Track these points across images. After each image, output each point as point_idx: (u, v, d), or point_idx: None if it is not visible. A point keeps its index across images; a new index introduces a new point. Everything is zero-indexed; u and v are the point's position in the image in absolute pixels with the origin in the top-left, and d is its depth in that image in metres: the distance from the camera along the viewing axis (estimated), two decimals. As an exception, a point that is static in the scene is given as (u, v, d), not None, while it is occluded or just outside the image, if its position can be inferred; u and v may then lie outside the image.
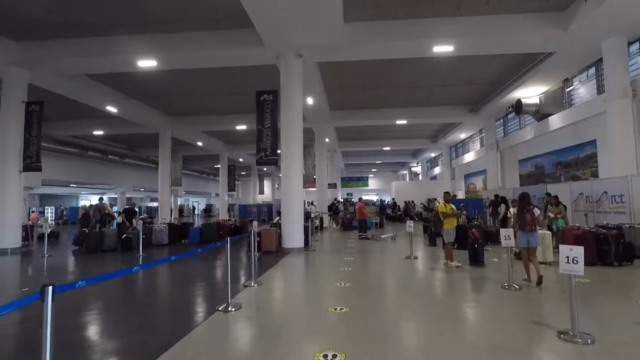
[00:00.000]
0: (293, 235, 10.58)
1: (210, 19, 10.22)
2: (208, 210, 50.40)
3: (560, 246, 3.70)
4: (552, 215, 9.54)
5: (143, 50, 11.08)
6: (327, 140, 22.69)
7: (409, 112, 19.24)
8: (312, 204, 20.75)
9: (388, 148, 29.76)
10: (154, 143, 22.11)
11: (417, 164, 40.45)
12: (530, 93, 15.16)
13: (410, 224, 9.22)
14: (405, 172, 48.38)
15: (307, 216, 18.66)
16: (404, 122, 19.97)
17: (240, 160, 35.59)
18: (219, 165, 31.20)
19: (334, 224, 20.02)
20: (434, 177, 35.42)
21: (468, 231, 8.25)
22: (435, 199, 26.89)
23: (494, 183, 19.46)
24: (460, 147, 27.97)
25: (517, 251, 8.13)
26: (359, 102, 18.22)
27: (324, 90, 15.45)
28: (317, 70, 12.81)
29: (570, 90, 13.99)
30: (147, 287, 7.05)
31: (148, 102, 17.77)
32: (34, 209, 32.37)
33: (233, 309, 4.92)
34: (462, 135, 25.20)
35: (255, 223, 10.21)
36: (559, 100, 14.32)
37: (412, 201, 27.08)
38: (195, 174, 43.38)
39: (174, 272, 8.21)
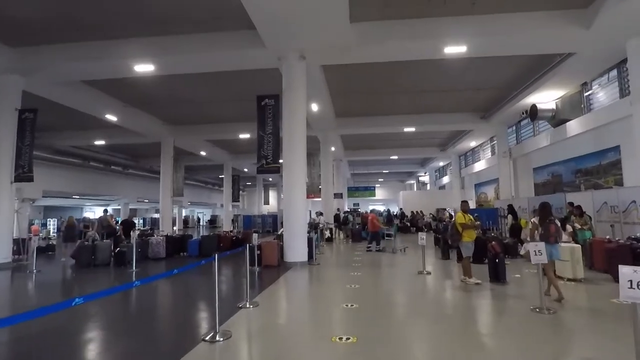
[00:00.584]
0: (296, 248, 9.88)
1: (208, 20, 9.72)
2: (213, 221, 49.84)
3: (621, 268, 2.97)
4: (578, 226, 8.74)
5: (140, 53, 10.61)
6: (332, 149, 22.08)
7: (417, 119, 18.58)
8: (321, 214, 19.99)
9: (395, 157, 29.04)
10: (157, 153, 21.65)
11: (425, 173, 39.62)
12: (546, 98, 14.42)
13: (422, 236, 8.47)
14: (412, 181, 47.53)
15: (315, 227, 18.05)
16: (412, 129, 19.30)
17: (245, 170, 35.11)
18: (223, 176, 30.72)
19: (341, 235, 19.25)
20: (442, 187, 34.56)
21: (487, 244, 7.48)
22: (445, 209, 26.08)
23: (507, 192, 18.61)
24: (470, 156, 27.17)
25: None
26: (365, 108, 17.62)
27: (329, 96, 14.88)
28: (322, 74, 12.25)
29: (589, 95, 13.25)
30: (129, 309, 6.37)
31: (148, 110, 17.35)
32: (36, 221, 32.12)
33: (221, 339, 4.22)
34: (473, 143, 24.43)
35: (255, 235, 9.55)
36: (577, 105, 13.57)
37: (421, 211, 26.28)
38: (199, 184, 42.93)
39: (163, 290, 7.54)
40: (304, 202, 10.20)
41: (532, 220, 6.41)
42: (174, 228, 42.39)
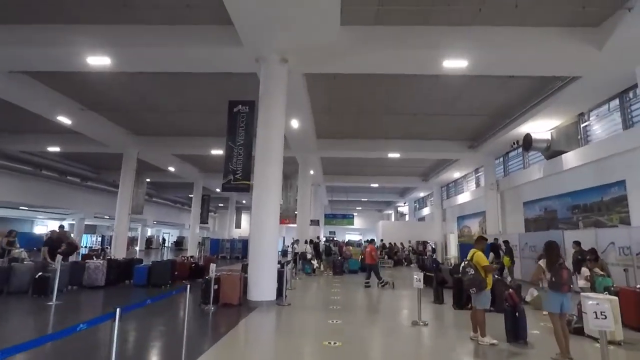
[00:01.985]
0: (263, 284, 8.14)
1: (178, 8, 8.24)
2: (179, 243, 46.78)
3: None
4: (599, 271, 7.48)
5: (94, 42, 8.96)
6: (311, 172, 20.67)
7: (404, 145, 17.51)
8: (310, 242, 18.13)
9: (376, 185, 27.89)
10: (121, 165, 19.65)
11: (405, 203, 38.69)
12: (538, 129, 13.63)
13: (417, 276, 6.95)
14: (390, 211, 46.51)
15: (303, 257, 16.29)
16: (397, 155, 18.19)
17: (217, 190, 33.01)
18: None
19: (321, 267, 17.49)
20: (421, 218, 33.55)
21: (503, 292, 6.04)
22: (427, 242, 24.88)
23: (495, 227, 17.55)
24: (452, 187, 26.35)
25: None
26: (349, 130, 16.42)
27: (310, 112, 13.56)
28: (304, 85, 10.93)
29: (586, 126, 12.50)
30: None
31: (109, 116, 15.49)
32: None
33: None
34: (457, 174, 23.61)
35: (212, 266, 7.80)
36: (573, 136, 12.78)
37: (401, 243, 24.91)
38: (168, 203, 40.32)
39: (71, 346, 5.62)
40: (275, 228, 8.56)
41: (538, 262, 5.10)
42: (135, 248, 39.59)
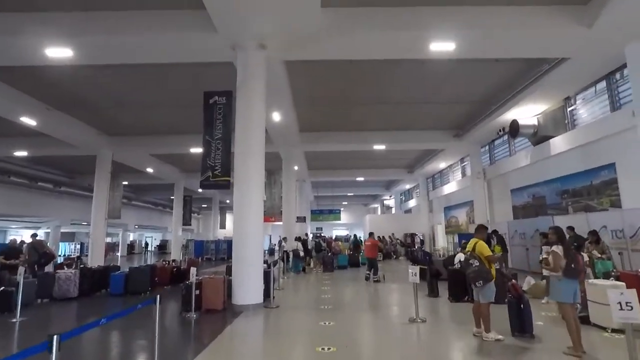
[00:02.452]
0: (248, 286, 7.60)
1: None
2: (163, 246, 45.51)
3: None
4: (597, 254, 7.22)
5: (53, 32, 8.17)
6: (296, 168, 20.14)
7: (388, 136, 17.14)
8: (305, 238, 17.59)
9: (361, 179, 27.53)
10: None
11: (391, 196, 38.55)
12: (524, 114, 13.44)
13: (413, 270, 6.54)
14: (377, 205, 46.39)
15: (295, 255, 15.72)
16: (382, 147, 17.83)
17: (199, 190, 32.14)
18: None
19: (311, 264, 17.06)
20: (408, 211, 33.45)
21: (506, 283, 5.67)
22: (414, 234, 24.70)
23: (483, 216, 17.40)
24: (438, 178, 26.23)
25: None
26: (332, 122, 15.92)
27: (292, 104, 12.99)
28: (285, 74, 10.38)
29: (572, 110, 12.34)
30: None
31: (79, 116, 14.55)
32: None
33: None
34: (442, 165, 23.45)
35: (193, 270, 7.22)
36: (560, 121, 12.63)
37: (391, 235, 24.63)
38: (149, 206, 39.08)
39: None
40: (259, 226, 8.01)
41: (552, 249, 4.71)
42: (117, 254, 38.29)
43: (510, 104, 12.80)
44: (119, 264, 13.19)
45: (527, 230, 13.29)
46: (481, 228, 5.56)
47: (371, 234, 13.69)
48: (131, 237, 48.62)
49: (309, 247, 16.81)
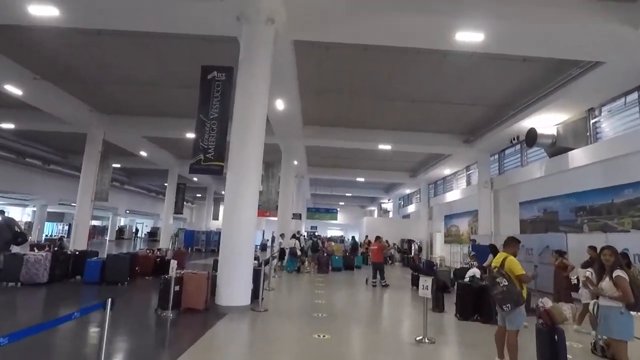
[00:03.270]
0: (235, 285, 6.76)
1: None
2: (154, 233, 44.51)
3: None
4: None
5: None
6: (295, 162, 19.28)
7: (396, 136, 16.33)
8: (298, 236, 16.76)
9: (362, 179, 26.76)
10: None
11: (389, 200, 37.74)
12: (541, 124, 12.63)
13: (425, 283, 5.69)
14: (374, 208, 45.55)
15: (292, 253, 14.90)
16: (388, 147, 17.02)
17: (194, 179, 31.26)
18: (168, 183, 26.78)
19: (306, 264, 16.26)
20: (406, 216, 32.66)
21: (537, 308, 4.84)
22: (412, 241, 23.91)
23: (487, 227, 16.62)
24: (440, 185, 25.44)
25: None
26: (339, 117, 15.10)
27: (298, 92, 12.16)
28: (293, 56, 9.54)
29: (596, 122, 11.57)
30: None
31: (69, 89, 13.62)
32: None
33: None
34: (447, 171, 22.66)
35: (173, 263, 6.37)
36: (582, 132, 11.84)
37: (387, 241, 23.72)
38: (142, 191, 38.12)
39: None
40: (252, 219, 7.17)
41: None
42: (105, 238, 37.36)
43: (530, 110, 12.03)
44: (105, 249, 12.34)
45: (536, 246, 12.48)
46: (512, 241, 4.74)
47: (378, 238, 12.91)
48: (122, 221, 47.72)
49: (302, 245, 15.95)
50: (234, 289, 6.76)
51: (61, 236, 20.60)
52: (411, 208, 31.41)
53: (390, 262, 22.32)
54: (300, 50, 9.47)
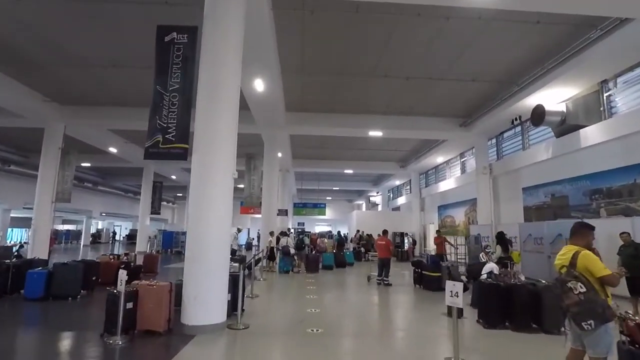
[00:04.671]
0: (206, 298, 5.32)
1: None
2: (132, 236, 42.24)
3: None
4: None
5: None
6: (279, 155, 17.82)
7: (387, 121, 15.04)
8: (287, 233, 15.30)
9: (350, 171, 25.45)
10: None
11: (378, 192, 36.62)
12: (547, 100, 11.53)
13: (454, 289, 4.37)
14: (361, 202, 44.42)
15: (285, 253, 13.34)
16: (379, 133, 15.71)
17: (173, 177, 29.48)
18: (144, 182, 24.94)
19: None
20: (396, 208, 31.57)
21: (623, 321, 3.56)
22: (405, 234, 22.76)
23: (487, 216, 15.54)
24: (432, 174, 24.36)
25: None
26: (325, 100, 13.71)
27: (279, 71, 10.73)
28: (272, 26, 8.07)
29: (610, 95, 10.50)
30: None
31: (12, 74, 11.81)
32: None
33: None
34: (439, 159, 21.54)
35: (122, 275, 4.91)
36: (594, 108, 10.77)
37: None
38: (118, 192, 35.93)
39: None
40: (226, 215, 5.72)
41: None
42: (80, 243, 35.14)
43: (535, 86, 10.93)
44: (80, 254, 10.65)
45: (547, 234, 11.40)
46: (583, 229, 3.44)
47: (385, 232, 11.73)
48: (100, 225, 45.44)
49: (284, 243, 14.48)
50: (205, 303, 5.32)
51: (22, 243, 18.48)
52: (401, 200, 30.33)
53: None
54: (281, 18, 8.03)
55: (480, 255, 8.41)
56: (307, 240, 15.85)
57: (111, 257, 10.16)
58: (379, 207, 37.12)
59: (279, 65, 10.39)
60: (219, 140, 5.58)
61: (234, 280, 6.16)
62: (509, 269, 8.03)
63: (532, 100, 11.61)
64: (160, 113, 5.80)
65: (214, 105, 5.63)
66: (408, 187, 28.35)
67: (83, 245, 33.42)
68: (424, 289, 9.87)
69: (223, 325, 5.43)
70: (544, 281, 6.56)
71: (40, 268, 7.84)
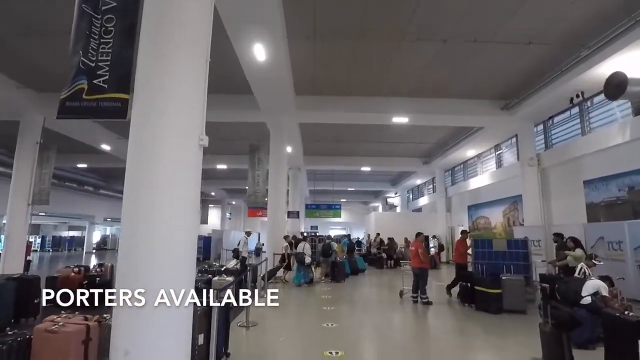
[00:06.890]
0: (145, 354, 3.05)
1: None
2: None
3: None
4: None
5: None
6: (289, 149, 15.65)
7: (415, 104, 12.70)
8: (303, 238, 13.40)
9: (368, 168, 23.08)
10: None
11: (396, 193, 34.09)
12: (624, 68, 9.02)
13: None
14: (377, 204, 41.79)
15: (300, 261, 11.24)
16: (405, 119, 13.34)
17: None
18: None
19: (317, 272, 12.94)
20: (417, 209, 29.00)
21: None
22: (433, 237, 20.31)
23: (536, 216, 12.98)
24: (460, 171, 21.80)
25: None
26: (341, 78, 11.48)
27: (285, 36, 8.52)
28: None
29: None
30: None
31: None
32: None
33: None
34: (470, 153, 18.99)
35: None
36: (694, 70, 8.24)
37: (406, 238, 20.14)
38: (121, 195, 34.31)
39: None
40: (189, 212, 3.45)
41: None
42: (82, 250, 33.57)
43: (613, 47, 8.46)
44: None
45: (631, 238, 8.87)
46: None
47: (419, 234, 9.29)
48: (107, 231, 44.04)
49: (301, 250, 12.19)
50: (148, 352, 3.06)
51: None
52: (423, 200, 27.76)
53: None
54: None
55: (582, 268, 5.86)
56: (334, 246, 13.64)
57: (75, 269, 8.01)
58: (398, 209, 34.56)
59: (285, 26, 8.18)
60: (174, 86, 3.35)
61: (213, 315, 3.92)
62: (613, 286, 5.59)
63: (603, 68, 9.12)
64: (85, 46, 3.61)
65: (166, 30, 3.40)
66: (431, 185, 25.82)
67: (85, 253, 31.77)
68: (477, 310, 7.51)
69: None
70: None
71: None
